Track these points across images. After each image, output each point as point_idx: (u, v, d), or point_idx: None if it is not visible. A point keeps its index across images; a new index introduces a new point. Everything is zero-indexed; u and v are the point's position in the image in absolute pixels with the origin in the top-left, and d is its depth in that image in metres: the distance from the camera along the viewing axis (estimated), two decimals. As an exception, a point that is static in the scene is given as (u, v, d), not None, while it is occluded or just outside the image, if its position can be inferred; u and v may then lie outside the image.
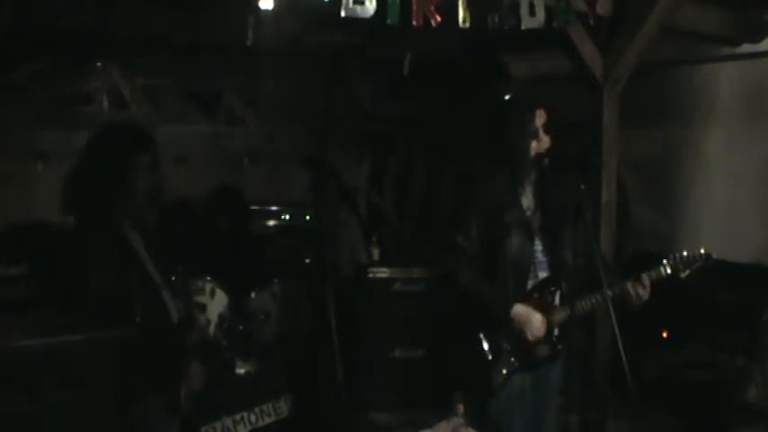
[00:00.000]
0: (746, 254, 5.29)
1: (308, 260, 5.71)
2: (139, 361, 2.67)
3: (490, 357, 3.27)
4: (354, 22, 3.44)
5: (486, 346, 3.28)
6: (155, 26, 4.95)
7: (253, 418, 4.38)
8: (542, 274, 3.35)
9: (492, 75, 6.19)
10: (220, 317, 4.55)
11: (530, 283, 3.33)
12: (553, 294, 3.34)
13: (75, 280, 2.78)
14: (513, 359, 3.28)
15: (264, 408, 4.46)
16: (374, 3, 3.40)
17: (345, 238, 6.37)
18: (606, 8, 4.23)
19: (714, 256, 3.45)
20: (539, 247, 3.35)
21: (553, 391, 3.46)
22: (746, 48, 5.49)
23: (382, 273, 5.56)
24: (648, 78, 5.17)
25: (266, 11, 4.27)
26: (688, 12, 4.79)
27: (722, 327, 5.08)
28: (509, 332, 3.26)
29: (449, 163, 6.32)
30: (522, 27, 3.80)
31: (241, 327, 4.64)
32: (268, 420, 4.46)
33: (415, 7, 3.47)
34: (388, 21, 3.45)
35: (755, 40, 5.42)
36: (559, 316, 3.31)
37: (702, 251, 3.43)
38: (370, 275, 5.53)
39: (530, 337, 3.24)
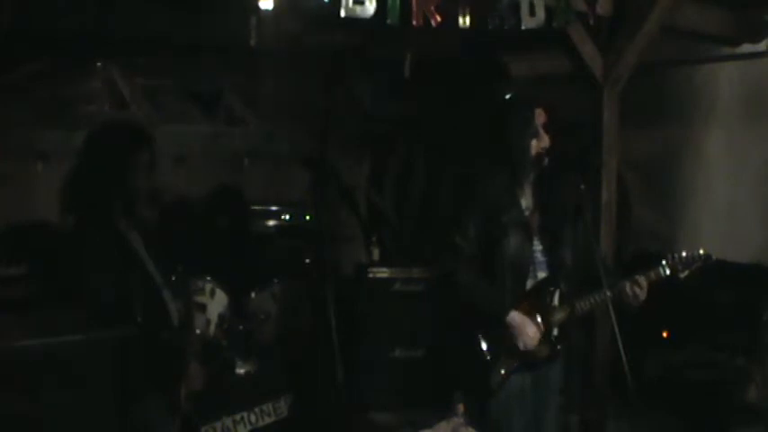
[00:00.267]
0: (746, 254, 5.29)
1: (308, 260, 5.72)
2: (139, 361, 2.67)
3: (489, 357, 3.27)
4: (354, 22, 3.44)
5: (484, 346, 3.28)
6: (155, 26, 4.95)
7: (253, 418, 4.38)
8: (541, 275, 3.34)
9: (492, 75, 6.19)
10: (220, 317, 4.55)
11: (529, 283, 3.33)
12: (552, 294, 3.33)
13: (75, 280, 2.78)
14: (511, 359, 3.28)
15: (264, 408, 4.46)
16: (374, 3, 3.40)
17: (345, 237, 6.36)
18: (606, 8, 4.23)
19: (714, 256, 3.46)
20: (538, 247, 3.35)
21: (553, 391, 3.46)
22: (746, 48, 5.49)
23: (382, 273, 5.56)
24: (648, 78, 5.17)
25: (266, 11, 4.27)
26: (688, 12, 4.79)
27: (722, 327, 5.08)
28: (507, 333, 3.26)
29: (449, 163, 6.32)
30: (522, 27, 3.80)
31: (241, 327, 4.64)
32: (268, 420, 4.46)
33: (415, 7, 3.47)
34: (388, 21, 3.46)
35: (755, 40, 5.42)
36: (559, 316, 3.31)
37: (701, 251, 3.43)
38: (370, 275, 5.53)
39: (521, 347, 3.24)
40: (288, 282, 5.07)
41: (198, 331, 4.32)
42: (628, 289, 3.30)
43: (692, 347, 5.18)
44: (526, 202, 3.36)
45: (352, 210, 6.76)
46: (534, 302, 3.31)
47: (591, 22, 4.19)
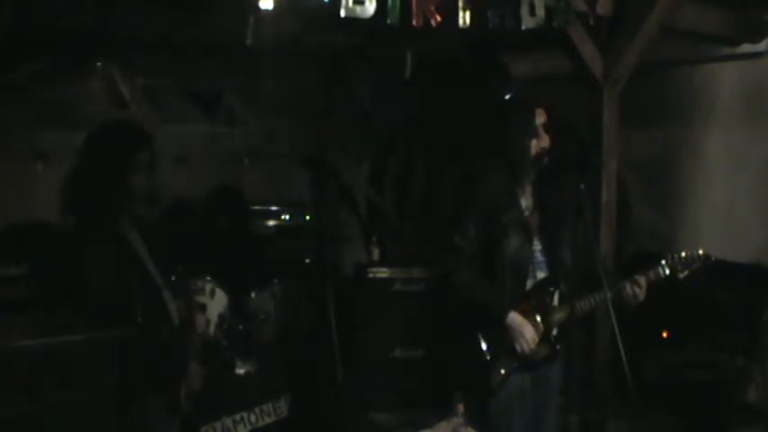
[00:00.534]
0: (746, 254, 5.29)
1: (308, 260, 5.72)
2: (139, 361, 2.67)
3: (488, 357, 3.27)
4: (354, 22, 3.44)
5: (484, 346, 3.28)
6: (155, 26, 4.95)
7: (253, 418, 4.38)
8: (541, 275, 3.35)
9: (492, 75, 6.19)
10: (220, 317, 4.55)
11: (529, 283, 3.33)
12: (552, 295, 3.34)
13: (75, 280, 2.78)
14: (511, 359, 3.28)
15: (264, 408, 4.46)
16: (374, 3, 3.41)
17: (345, 237, 6.36)
18: (606, 8, 4.23)
19: (714, 257, 3.45)
20: (537, 247, 3.35)
21: (553, 391, 3.46)
22: (746, 48, 5.49)
23: (382, 273, 5.56)
24: (648, 78, 5.17)
25: (266, 11, 4.26)
26: (688, 12, 4.79)
27: (722, 327, 5.08)
28: (506, 335, 3.26)
29: (449, 163, 6.32)
30: (523, 27, 3.81)
31: (241, 327, 4.64)
32: (268, 420, 4.46)
33: (415, 7, 3.48)
34: (388, 21, 3.46)
35: (755, 40, 5.42)
36: (558, 316, 3.31)
37: (701, 252, 3.43)
38: (370, 275, 5.53)
39: (519, 349, 3.24)
40: (288, 282, 5.07)
41: (198, 331, 4.32)
42: (628, 289, 3.31)
43: (692, 347, 5.18)
44: (526, 202, 3.36)
45: (352, 210, 6.76)
46: (534, 302, 3.31)
47: (591, 22, 4.19)
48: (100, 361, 2.40)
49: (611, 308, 3.14)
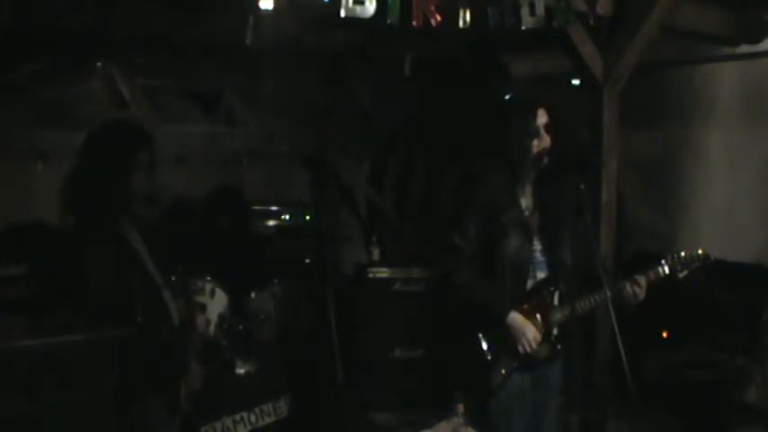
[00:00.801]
0: (746, 254, 5.29)
1: (308, 260, 5.71)
2: (139, 361, 2.67)
3: (489, 357, 3.27)
4: (354, 22, 3.44)
5: (485, 346, 3.28)
6: (155, 26, 4.95)
7: (253, 418, 4.38)
8: (541, 275, 3.35)
9: (492, 75, 6.19)
10: (220, 317, 4.55)
11: (529, 283, 3.33)
12: (552, 295, 3.34)
13: (75, 280, 2.78)
14: (512, 359, 3.28)
15: (264, 408, 4.46)
16: (374, 3, 3.40)
17: (345, 237, 6.37)
18: (606, 8, 4.24)
19: (713, 257, 3.45)
20: (537, 247, 3.35)
21: (553, 391, 3.46)
22: (746, 48, 5.49)
23: (382, 273, 5.56)
24: (648, 78, 5.17)
25: (266, 11, 4.27)
26: (688, 12, 4.79)
27: (722, 327, 5.08)
28: (507, 335, 3.26)
29: (449, 163, 6.32)
30: (523, 27, 3.81)
31: (241, 327, 4.64)
32: (268, 420, 4.46)
33: (415, 7, 3.48)
34: (388, 21, 3.46)
35: (755, 40, 5.42)
36: (559, 316, 3.31)
37: (700, 252, 3.43)
38: (370, 275, 5.53)
39: (521, 349, 3.24)
40: (288, 282, 5.07)
41: (198, 331, 4.32)
42: (628, 289, 3.31)
43: (692, 347, 5.18)
44: (526, 202, 3.36)
45: (352, 210, 6.76)
46: (534, 303, 3.31)
47: (591, 22, 4.19)
48: (100, 361, 2.39)
49: (611, 308, 3.13)
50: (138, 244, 2.96)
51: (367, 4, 3.40)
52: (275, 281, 4.99)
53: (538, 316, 3.30)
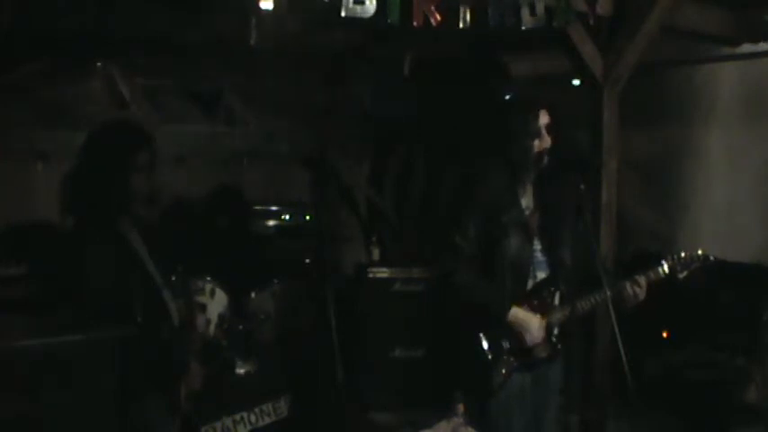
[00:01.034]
0: (746, 254, 5.30)
1: (308, 260, 5.71)
2: (139, 361, 2.67)
3: (490, 357, 3.27)
4: (354, 21, 3.44)
5: (485, 345, 3.28)
6: (155, 26, 4.95)
7: (253, 418, 4.38)
8: (541, 275, 3.35)
9: (492, 75, 6.19)
10: (220, 317, 4.55)
11: (529, 284, 3.33)
12: (552, 295, 3.34)
13: (75, 280, 2.78)
14: (512, 359, 3.28)
15: (264, 408, 4.46)
16: (374, 3, 3.40)
17: (345, 237, 6.36)
18: (606, 8, 4.24)
19: (713, 257, 3.45)
20: (537, 247, 3.35)
21: (553, 391, 3.46)
22: (746, 48, 5.49)
23: (382, 273, 5.56)
24: (648, 78, 5.17)
25: (266, 11, 4.27)
26: (688, 12, 4.79)
27: (722, 327, 5.09)
28: (508, 333, 3.26)
29: (449, 163, 6.32)
30: (523, 27, 3.81)
31: (241, 327, 4.64)
32: (268, 420, 4.46)
33: (415, 7, 3.48)
34: (389, 21, 3.45)
35: (755, 40, 5.42)
36: (559, 316, 3.31)
37: (700, 252, 3.43)
38: (370, 275, 5.53)
39: (528, 342, 3.24)
40: (288, 282, 5.07)
41: (198, 331, 4.32)
42: (628, 289, 3.31)
43: (692, 347, 5.19)
44: (526, 202, 3.36)
45: (352, 210, 6.76)
46: (534, 303, 3.31)
47: (591, 22, 4.19)
48: (100, 361, 2.39)
49: (611, 308, 3.13)
50: (138, 244, 2.96)
51: (367, 3, 3.40)
52: (275, 281, 4.99)
53: (538, 316, 3.30)
